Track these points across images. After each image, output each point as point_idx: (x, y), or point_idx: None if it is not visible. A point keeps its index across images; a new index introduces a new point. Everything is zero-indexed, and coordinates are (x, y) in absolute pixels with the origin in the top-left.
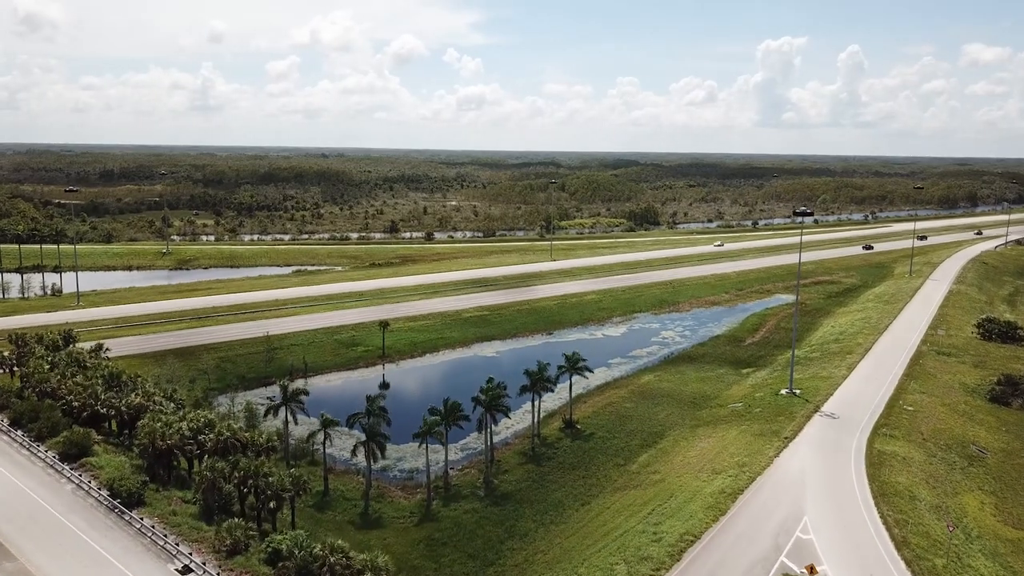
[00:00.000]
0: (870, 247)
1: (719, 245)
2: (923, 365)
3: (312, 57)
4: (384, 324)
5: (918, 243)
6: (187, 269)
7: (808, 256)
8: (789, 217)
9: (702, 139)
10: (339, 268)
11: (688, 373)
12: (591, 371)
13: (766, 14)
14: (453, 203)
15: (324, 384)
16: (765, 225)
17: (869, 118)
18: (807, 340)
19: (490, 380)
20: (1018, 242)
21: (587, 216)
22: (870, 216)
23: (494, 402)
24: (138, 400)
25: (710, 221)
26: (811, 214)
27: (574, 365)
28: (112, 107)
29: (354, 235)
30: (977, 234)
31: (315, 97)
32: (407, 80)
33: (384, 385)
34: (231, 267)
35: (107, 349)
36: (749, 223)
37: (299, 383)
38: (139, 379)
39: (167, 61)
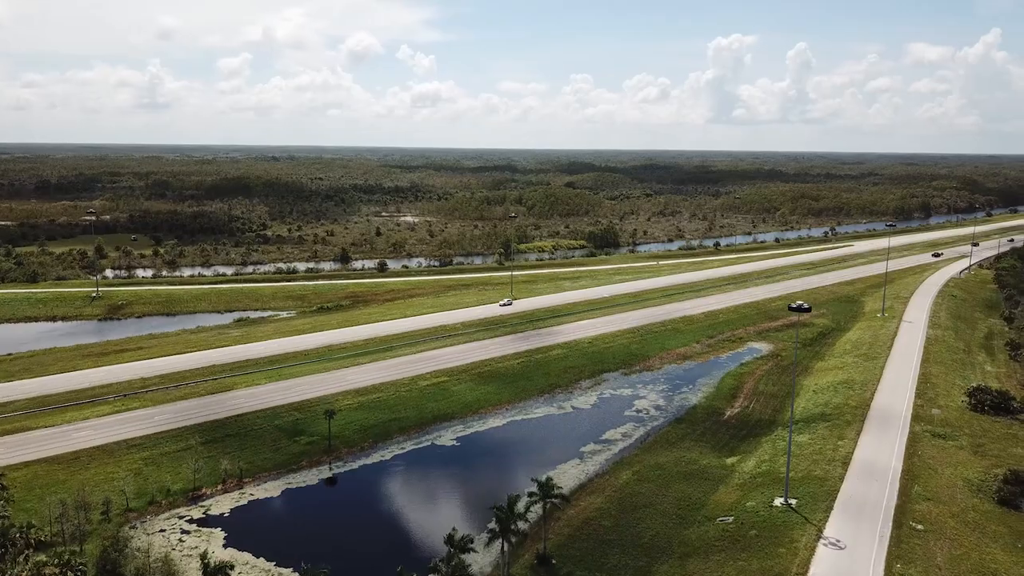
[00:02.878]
0: (939, 255)
1: (506, 303)
2: (921, 456)
3: (264, 54)
4: (330, 413)
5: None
6: (119, 318)
7: (775, 288)
8: (749, 234)
9: (655, 136)
10: (284, 313)
11: (669, 468)
12: (567, 499)
13: (716, 11)
14: (407, 218)
15: (263, 495)
16: (728, 246)
17: (817, 115)
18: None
19: (452, 533)
20: (980, 265)
21: (546, 236)
22: (830, 232)
23: (457, 571)
24: None
25: (671, 240)
26: (808, 310)
27: (548, 494)
28: (56, 105)
29: (302, 266)
30: (936, 256)
31: (267, 94)
32: (361, 77)
33: (330, 480)
34: (167, 314)
35: (3, 476)
36: (711, 243)
37: (233, 495)
38: (31, 531)
39: (114, 58)
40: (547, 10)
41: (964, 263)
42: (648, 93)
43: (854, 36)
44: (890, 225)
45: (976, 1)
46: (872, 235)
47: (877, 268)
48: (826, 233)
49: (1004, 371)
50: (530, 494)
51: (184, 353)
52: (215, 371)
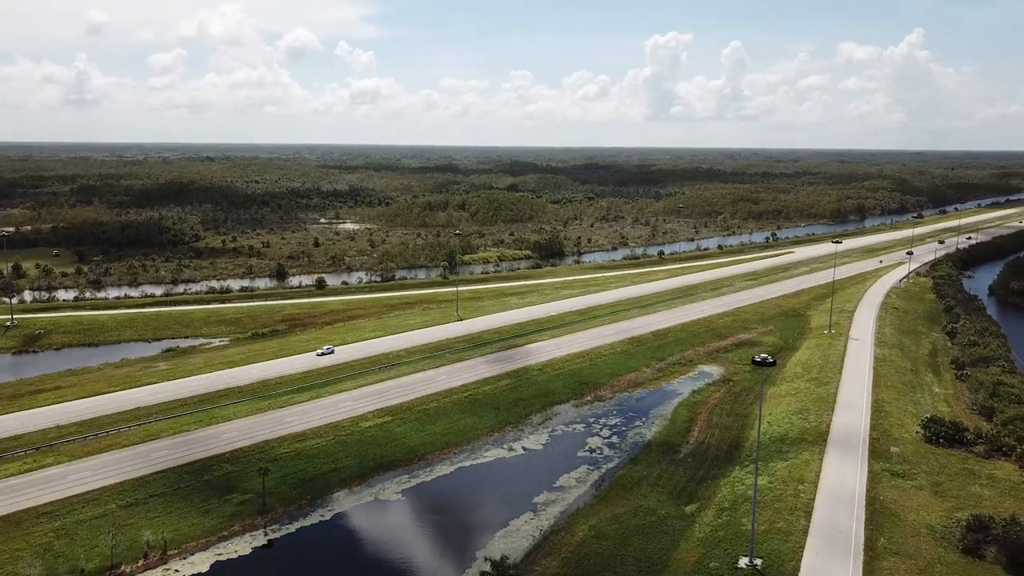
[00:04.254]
0: (911, 253)
1: (325, 353)
2: (883, 501)
3: (199, 50)
4: (263, 471)
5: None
6: (35, 350)
7: (721, 303)
8: (692, 240)
9: (596, 133)
10: (216, 341)
11: (627, 520)
12: None
13: (652, 9)
14: (347, 225)
15: (189, 571)
16: (671, 254)
17: (751, 112)
18: (747, 446)
19: None
20: (918, 273)
21: (491, 244)
22: (771, 237)
23: None
24: None
25: (615, 249)
26: (773, 363)
27: (503, 575)
28: None
29: (236, 284)
30: (908, 253)
31: (201, 91)
32: (298, 74)
33: (266, 546)
34: (89, 345)
35: None
36: (655, 251)
37: (156, 573)
38: None
39: (37, 53)
40: (485, 6)
41: (904, 270)
42: (587, 90)
43: (786, 36)
44: (836, 241)
45: (900, 2)
46: (812, 240)
47: (820, 277)
48: (767, 239)
49: (952, 392)
50: (482, 574)
51: (106, 393)
52: (139, 415)
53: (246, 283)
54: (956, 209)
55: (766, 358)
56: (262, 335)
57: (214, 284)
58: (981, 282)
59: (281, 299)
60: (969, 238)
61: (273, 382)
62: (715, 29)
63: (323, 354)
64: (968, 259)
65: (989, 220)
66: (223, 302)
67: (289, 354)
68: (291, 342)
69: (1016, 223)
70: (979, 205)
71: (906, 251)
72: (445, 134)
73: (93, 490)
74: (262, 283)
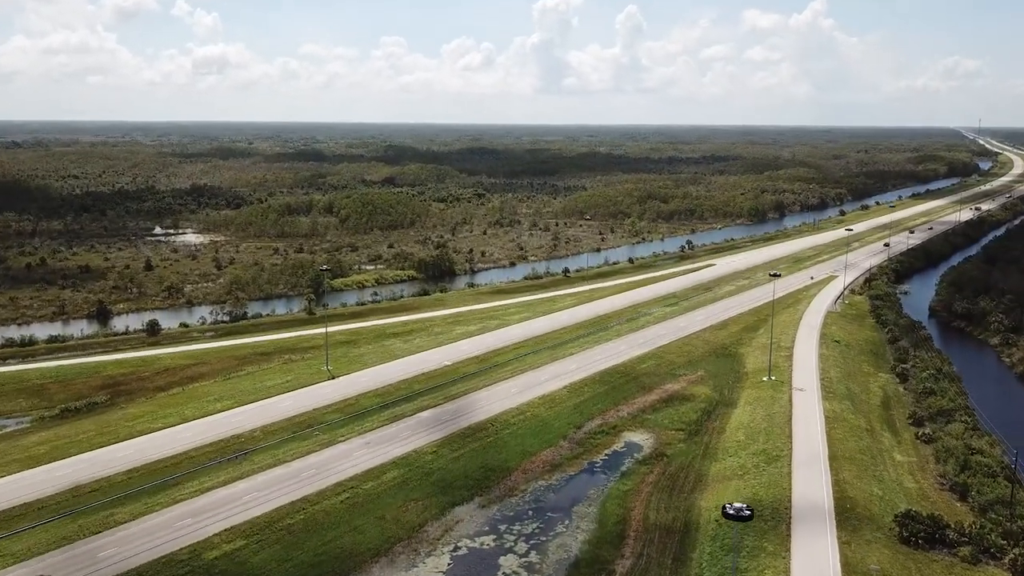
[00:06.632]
0: (887, 245)
1: None
2: None
3: (2, 8)
4: None
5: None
6: None
7: (641, 338)
8: (599, 250)
9: (481, 107)
10: (13, 423)
11: None
12: None
13: None
14: (188, 237)
15: None
16: (577, 271)
17: (651, 84)
18: (695, 557)
19: None
20: (853, 291)
21: (366, 261)
22: (687, 246)
23: None
24: None
25: (513, 265)
26: (750, 517)
27: None
28: None
29: (43, 332)
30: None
31: (7, 58)
32: (128, 37)
33: None
34: None
35: None
36: (559, 267)
37: None
38: None
39: None
40: None
41: (838, 285)
42: (470, 59)
43: (687, 0)
44: (774, 274)
45: None
46: (732, 247)
47: (748, 299)
48: (683, 247)
49: (915, 460)
50: None
51: None
52: None
53: (57, 328)
54: (877, 203)
55: (741, 509)
56: (75, 411)
57: (13, 335)
58: (919, 299)
59: (102, 352)
60: (911, 232)
61: (87, 488)
62: None
63: None
64: (901, 270)
65: (914, 216)
66: (25, 358)
67: (111, 441)
68: (113, 422)
69: (943, 218)
70: (900, 197)
71: (883, 243)
72: (307, 110)
73: None
74: (78, 329)
